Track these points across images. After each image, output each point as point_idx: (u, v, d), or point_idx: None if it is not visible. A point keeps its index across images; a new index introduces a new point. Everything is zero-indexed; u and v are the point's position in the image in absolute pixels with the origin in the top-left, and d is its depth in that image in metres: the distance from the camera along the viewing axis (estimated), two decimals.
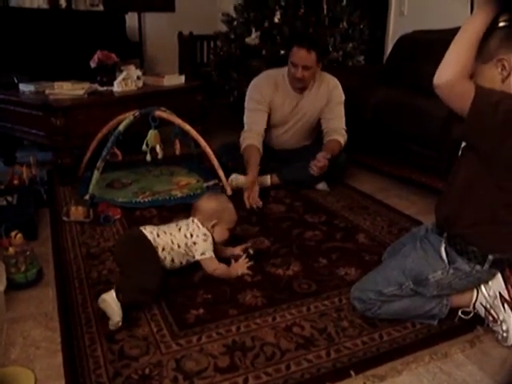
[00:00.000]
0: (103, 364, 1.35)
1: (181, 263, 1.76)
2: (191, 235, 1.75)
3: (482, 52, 1.33)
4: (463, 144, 1.48)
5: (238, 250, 1.89)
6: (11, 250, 1.73)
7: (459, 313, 1.56)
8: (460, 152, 1.49)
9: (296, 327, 1.51)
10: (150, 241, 1.68)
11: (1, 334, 1.49)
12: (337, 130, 2.75)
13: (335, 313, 1.59)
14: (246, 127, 2.75)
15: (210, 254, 1.76)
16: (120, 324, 1.49)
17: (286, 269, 1.86)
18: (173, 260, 1.73)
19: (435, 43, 2.96)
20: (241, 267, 1.81)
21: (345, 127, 2.79)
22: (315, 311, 1.60)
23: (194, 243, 1.75)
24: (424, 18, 3.59)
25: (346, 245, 2.07)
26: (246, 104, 2.77)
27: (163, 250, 1.70)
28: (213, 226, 1.80)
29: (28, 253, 1.76)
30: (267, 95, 2.71)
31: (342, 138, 2.75)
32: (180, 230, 1.77)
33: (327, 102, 2.75)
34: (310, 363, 1.36)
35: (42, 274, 1.82)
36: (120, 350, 1.40)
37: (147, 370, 1.32)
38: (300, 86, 2.69)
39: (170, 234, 1.74)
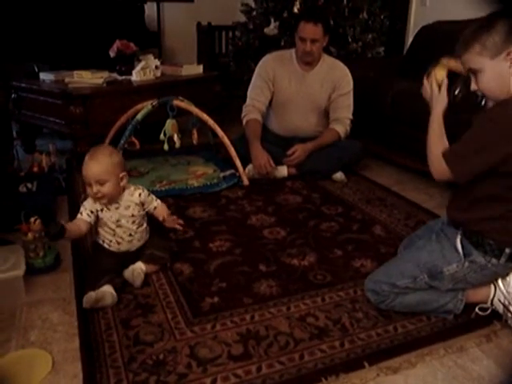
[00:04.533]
0: (119, 349, 1.37)
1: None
2: None
3: (487, 47, 1.31)
4: None
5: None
6: (30, 235, 1.75)
7: (476, 309, 1.54)
8: None
9: (310, 317, 1.52)
10: None
11: (20, 317, 1.52)
12: (340, 119, 2.77)
13: (350, 304, 1.59)
14: (247, 101, 2.85)
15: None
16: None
17: (302, 259, 1.86)
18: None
19: (457, 34, 2.91)
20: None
21: (350, 117, 2.80)
22: (330, 302, 1.60)
23: None
24: (446, 8, 3.53)
25: (362, 237, 2.06)
26: (252, 79, 2.87)
27: None
28: None
29: (46, 239, 1.79)
30: (272, 70, 2.78)
31: (342, 129, 2.77)
32: None
33: (334, 89, 2.75)
34: (324, 353, 1.37)
35: (60, 260, 1.84)
36: (135, 336, 1.42)
37: (161, 356, 1.34)
38: (309, 60, 2.73)
39: None
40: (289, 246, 1.96)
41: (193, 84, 3.31)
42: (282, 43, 3.62)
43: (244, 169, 2.65)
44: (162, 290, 1.66)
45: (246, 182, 2.61)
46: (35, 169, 2.53)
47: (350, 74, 2.78)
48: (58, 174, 2.54)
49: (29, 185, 2.29)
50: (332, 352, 1.37)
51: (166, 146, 2.57)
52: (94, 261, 1.72)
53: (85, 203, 1.70)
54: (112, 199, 1.67)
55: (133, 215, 1.71)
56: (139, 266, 1.70)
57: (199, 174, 2.69)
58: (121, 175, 1.66)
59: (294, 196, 2.51)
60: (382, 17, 3.71)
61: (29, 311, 1.56)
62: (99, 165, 1.62)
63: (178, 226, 1.83)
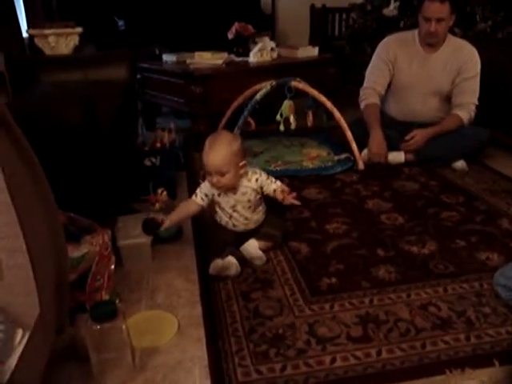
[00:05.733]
0: (239, 319, 1.42)
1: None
2: None
3: None
4: None
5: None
6: (157, 205, 1.87)
7: None
8: None
9: (432, 307, 1.46)
10: None
11: (147, 281, 1.63)
12: (463, 105, 2.60)
13: (475, 297, 1.50)
14: (366, 84, 2.79)
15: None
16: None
17: (422, 247, 1.79)
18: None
19: None
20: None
21: (475, 102, 2.61)
22: (453, 293, 1.53)
23: None
24: None
25: (487, 229, 1.94)
26: (371, 60, 2.80)
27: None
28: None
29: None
30: (393, 52, 2.69)
31: (465, 114, 2.59)
32: None
33: (459, 72, 2.58)
34: (448, 345, 1.31)
35: (182, 232, 1.93)
36: (255, 309, 1.46)
37: (281, 330, 1.36)
38: (433, 41, 2.59)
39: None
40: (407, 233, 1.90)
41: (308, 66, 3.29)
42: (401, 25, 3.48)
43: (360, 152, 2.60)
44: (279, 266, 1.69)
45: (361, 166, 2.56)
46: (158, 144, 2.66)
47: (477, 56, 2.60)
48: (178, 150, 2.67)
49: (153, 159, 2.43)
50: (456, 345, 1.31)
51: (281, 127, 2.60)
52: (215, 234, 1.79)
53: (202, 185, 1.73)
54: (231, 187, 1.69)
55: (249, 200, 1.72)
56: (253, 243, 1.72)
57: (313, 157, 2.68)
58: (241, 164, 1.65)
59: (411, 183, 2.42)
60: None
61: (155, 276, 1.67)
62: (219, 156, 1.60)
63: (295, 202, 1.69)
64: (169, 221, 1.68)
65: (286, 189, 1.71)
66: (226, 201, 1.72)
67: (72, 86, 1.82)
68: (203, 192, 1.72)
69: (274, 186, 1.72)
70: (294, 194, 1.69)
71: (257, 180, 1.71)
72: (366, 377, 1.21)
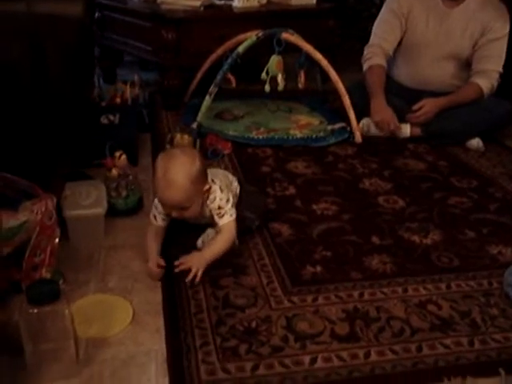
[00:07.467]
0: (206, 308, 1.43)
1: None
2: None
3: None
4: None
5: None
6: (114, 171, 1.84)
7: None
8: None
9: (431, 305, 1.49)
10: None
11: (98, 260, 1.63)
12: (485, 72, 2.61)
13: (483, 297, 1.53)
14: (372, 40, 2.80)
15: None
16: None
17: (424, 236, 1.82)
18: None
19: None
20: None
21: (500, 69, 2.62)
22: (457, 290, 1.56)
23: None
24: None
25: (501, 219, 1.98)
26: (380, 13, 2.80)
27: None
28: None
29: (130, 177, 1.88)
30: (408, 4, 2.70)
31: (487, 84, 2.61)
32: None
33: (483, 31, 2.59)
34: (447, 349, 1.33)
35: (143, 204, 1.93)
36: (225, 297, 1.47)
37: (254, 324, 1.37)
38: None
39: None
40: (408, 219, 1.93)
41: (303, 16, 3.25)
42: None
43: (358, 122, 2.61)
44: (256, 250, 1.70)
45: (358, 138, 2.58)
46: (118, 100, 2.64)
47: (507, 14, 2.61)
48: (141, 108, 2.64)
49: (111, 116, 2.40)
50: (458, 349, 1.33)
51: (267, 87, 2.59)
52: None
53: (158, 205, 1.62)
54: (195, 216, 1.63)
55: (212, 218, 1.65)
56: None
57: (302, 124, 2.69)
58: (205, 188, 1.57)
59: (417, 162, 2.45)
60: None
61: (107, 255, 1.66)
62: (179, 191, 1.49)
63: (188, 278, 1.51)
64: (152, 261, 1.55)
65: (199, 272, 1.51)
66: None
67: (12, 18, 1.76)
68: (162, 213, 1.62)
69: (219, 221, 1.61)
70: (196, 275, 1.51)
71: (207, 206, 1.63)
72: (352, 381, 1.23)
